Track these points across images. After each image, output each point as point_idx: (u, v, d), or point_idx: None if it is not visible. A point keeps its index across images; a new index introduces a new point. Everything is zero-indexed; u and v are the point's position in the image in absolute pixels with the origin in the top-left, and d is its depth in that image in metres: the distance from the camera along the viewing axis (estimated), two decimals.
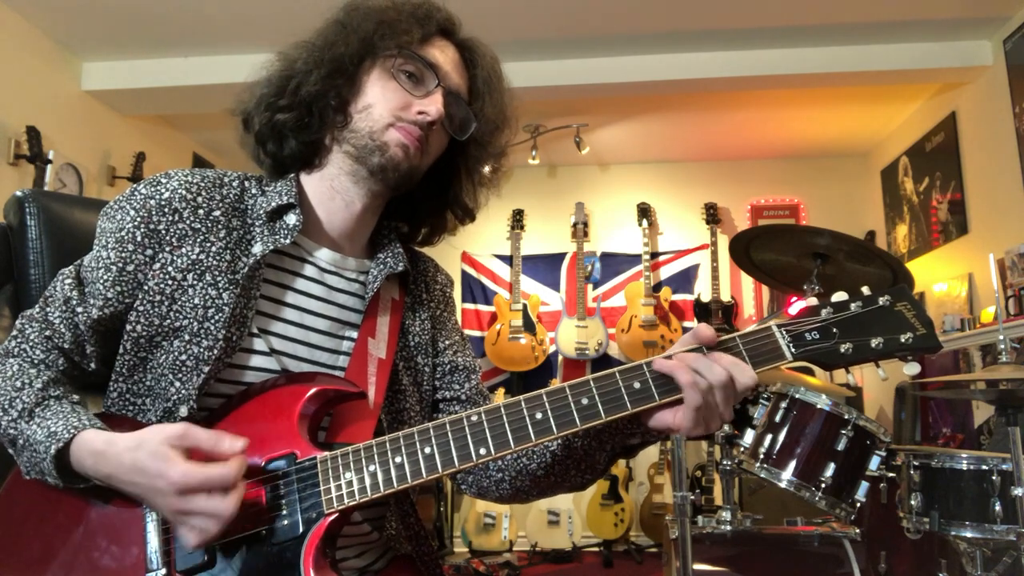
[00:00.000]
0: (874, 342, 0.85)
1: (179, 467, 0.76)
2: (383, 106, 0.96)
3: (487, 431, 0.83)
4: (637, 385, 0.84)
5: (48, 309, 0.91)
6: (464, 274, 5.13)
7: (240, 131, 1.02)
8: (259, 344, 0.92)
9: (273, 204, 0.95)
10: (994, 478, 1.82)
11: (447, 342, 1.11)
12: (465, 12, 1.05)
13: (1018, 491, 1.72)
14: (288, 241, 0.94)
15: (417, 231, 1.14)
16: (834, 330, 0.86)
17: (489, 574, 3.94)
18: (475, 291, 5.11)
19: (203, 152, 4.92)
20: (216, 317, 0.89)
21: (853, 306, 0.87)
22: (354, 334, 1.00)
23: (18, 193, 1.12)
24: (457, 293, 5.02)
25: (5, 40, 3.30)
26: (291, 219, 0.95)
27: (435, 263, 1.18)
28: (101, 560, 0.83)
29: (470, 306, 5.08)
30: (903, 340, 0.84)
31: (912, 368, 0.85)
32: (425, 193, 1.07)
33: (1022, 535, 1.73)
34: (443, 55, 1.01)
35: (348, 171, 0.99)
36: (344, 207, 1.01)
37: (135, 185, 0.94)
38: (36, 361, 0.89)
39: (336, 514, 0.82)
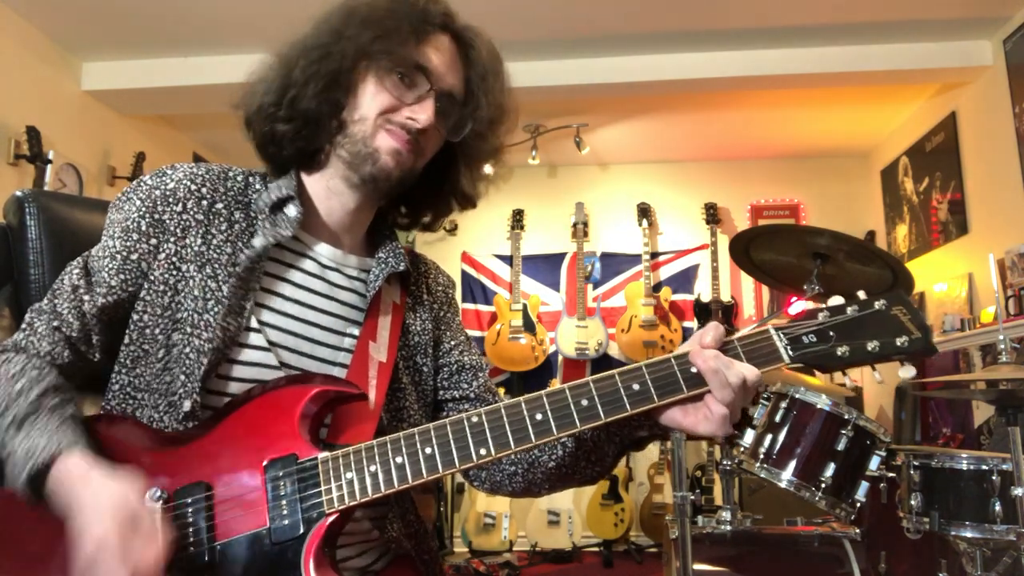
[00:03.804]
0: (870, 345, 0.86)
1: (110, 528, 0.74)
2: (373, 110, 0.96)
3: (488, 431, 0.84)
4: (636, 387, 0.85)
5: (56, 300, 0.92)
6: (464, 274, 5.13)
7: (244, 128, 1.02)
8: (258, 339, 0.93)
9: (274, 197, 0.97)
10: (994, 478, 1.82)
11: (452, 343, 1.12)
12: (465, 12, 1.04)
13: (1018, 491, 1.72)
14: (289, 233, 0.95)
15: (417, 218, 1.13)
16: (831, 333, 0.87)
17: (489, 574, 3.94)
18: (475, 291, 5.11)
19: (203, 152, 4.92)
20: (215, 309, 0.90)
21: (849, 310, 0.88)
22: (356, 332, 1.00)
23: (18, 193, 1.12)
24: (457, 293, 5.00)
25: (5, 40, 3.30)
26: (291, 211, 0.97)
27: (436, 265, 1.19)
28: None
29: (470, 306, 5.08)
30: (899, 343, 0.85)
31: (907, 371, 0.86)
32: (424, 182, 1.06)
33: (1022, 535, 1.73)
34: (438, 55, 0.99)
35: (342, 176, 1.00)
36: (340, 206, 1.02)
37: (143, 176, 0.96)
38: (43, 353, 0.89)
39: (337, 514, 0.82)
